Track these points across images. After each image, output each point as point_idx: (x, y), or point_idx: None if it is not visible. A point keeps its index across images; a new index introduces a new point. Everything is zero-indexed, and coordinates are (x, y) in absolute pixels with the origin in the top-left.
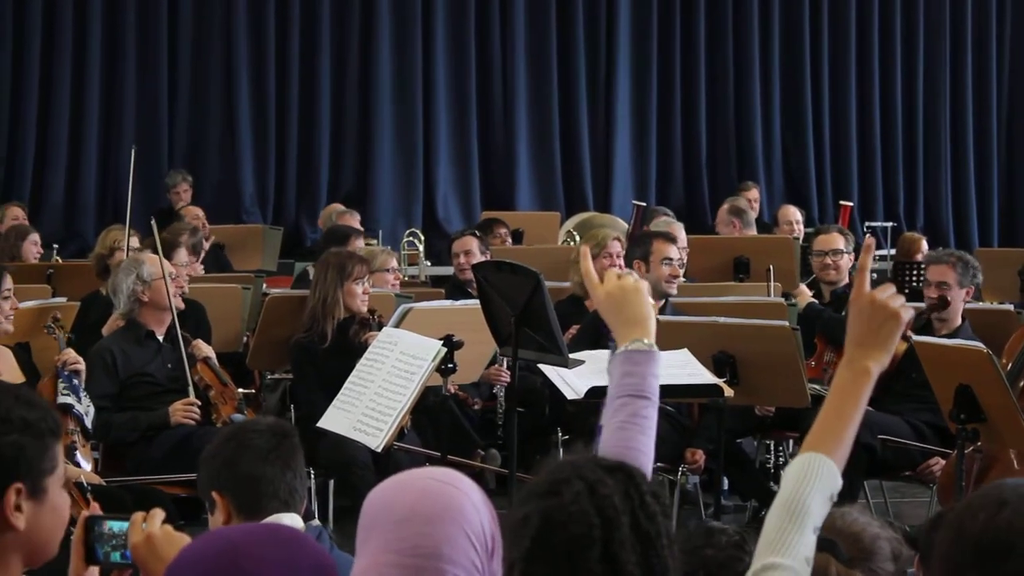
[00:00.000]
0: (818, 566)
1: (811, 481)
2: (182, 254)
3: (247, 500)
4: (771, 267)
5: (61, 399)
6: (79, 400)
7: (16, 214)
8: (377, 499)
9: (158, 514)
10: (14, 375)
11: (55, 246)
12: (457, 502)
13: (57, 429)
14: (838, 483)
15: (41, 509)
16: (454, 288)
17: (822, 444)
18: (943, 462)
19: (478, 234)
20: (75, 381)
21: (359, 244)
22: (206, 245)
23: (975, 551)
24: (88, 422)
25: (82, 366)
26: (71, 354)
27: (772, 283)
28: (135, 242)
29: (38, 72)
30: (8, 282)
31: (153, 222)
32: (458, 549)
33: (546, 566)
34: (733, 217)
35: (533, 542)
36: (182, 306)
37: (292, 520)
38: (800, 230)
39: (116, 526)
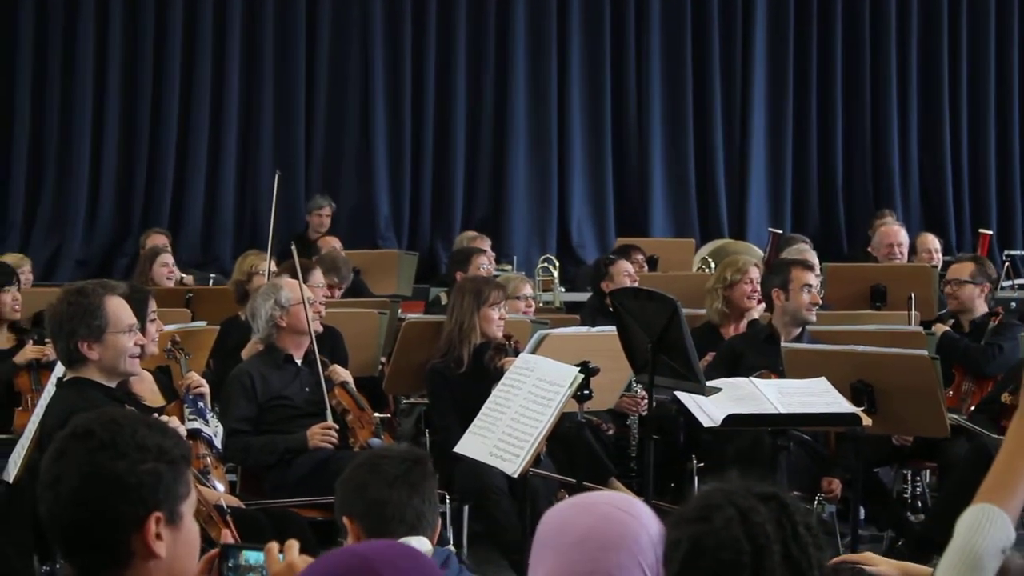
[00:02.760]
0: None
1: (984, 532)
2: (317, 276)
3: (374, 524)
4: (912, 295)
5: (188, 424)
6: (206, 422)
7: (158, 240)
8: (555, 519)
9: (294, 544)
10: (155, 398)
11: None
12: (633, 531)
13: (188, 455)
14: (1011, 536)
15: (178, 536)
16: (593, 311)
17: (994, 495)
18: None
19: None
20: (200, 404)
21: (482, 262)
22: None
23: None
24: (217, 442)
25: (206, 389)
26: (194, 377)
27: (913, 312)
28: (264, 266)
29: (177, 99)
30: (152, 305)
31: (293, 247)
32: None
33: None
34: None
35: (682, 566)
36: (321, 330)
37: (420, 543)
38: (939, 258)
39: (252, 556)
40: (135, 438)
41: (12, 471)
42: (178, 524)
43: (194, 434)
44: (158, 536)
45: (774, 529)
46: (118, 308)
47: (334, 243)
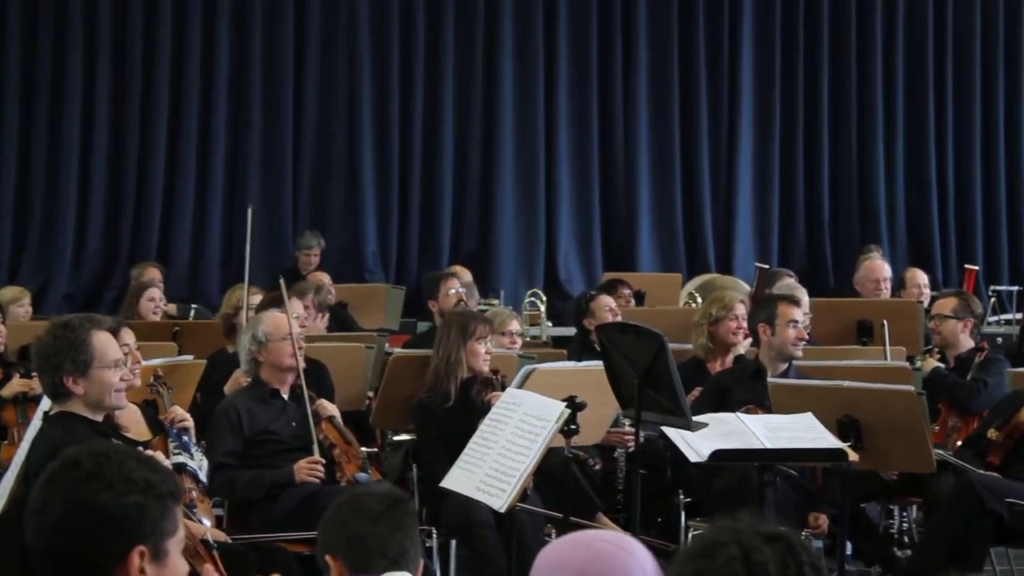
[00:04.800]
0: None
1: None
2: (296, 306)
3: (358, 559)
4: (885, 326)
5: (173, 458)
6: (191, 456)
7: (152, 274)
8: (550, 556)
9: None
10: (141, 431)
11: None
12: (628, 566)
13: (177, 492)
14: None
15: (163, 573)
16: (579, 347)
17: None
18: None
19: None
20: (185, 438)
21: (451, 286)
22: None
23: None
24: (203, 475)
25: (190, 423)
26: (178, 411)
27: (888, 347)
28: (254, 300)
29: (165, 131)
30: (127, 336)
31: (281, 280)
32: None
33: None
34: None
35: None
36: (304, 365)
37: None
38: (926, 294)
39: None
40: (122, 470)
41: None
42: (163, 560)
43: (179, 468)
44: (142, 571)
45: (776, 568)
46: (104, 343)
47: (324, 278)
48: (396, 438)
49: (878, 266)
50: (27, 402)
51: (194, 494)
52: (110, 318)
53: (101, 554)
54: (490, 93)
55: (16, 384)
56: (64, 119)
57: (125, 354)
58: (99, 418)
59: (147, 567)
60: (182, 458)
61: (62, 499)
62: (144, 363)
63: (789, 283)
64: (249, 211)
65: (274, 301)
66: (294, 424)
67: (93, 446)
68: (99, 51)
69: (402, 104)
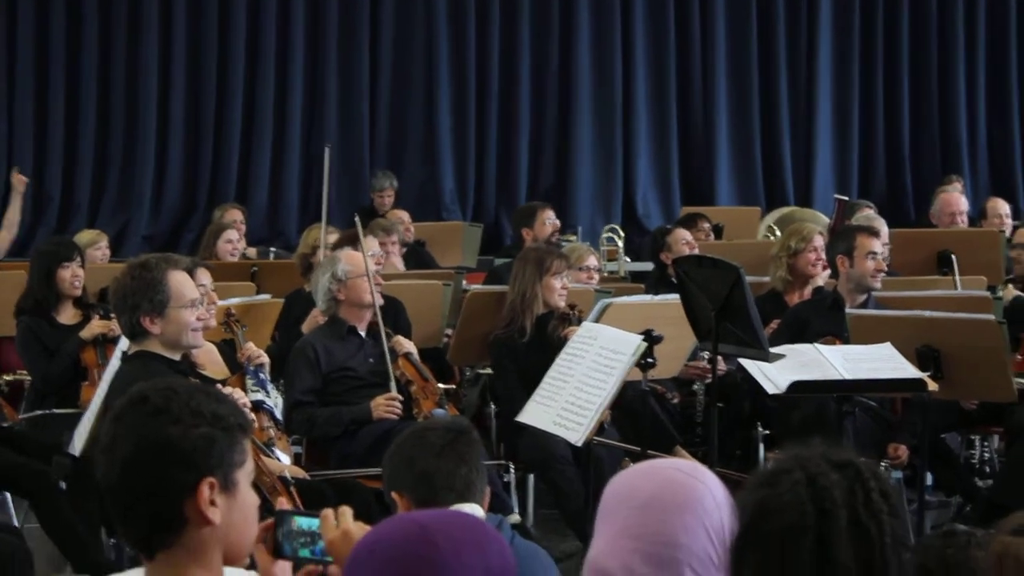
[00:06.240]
0: (1011, 547)
1: None
2: (373, 244)
3: (424, 495)
4: (954, 259)
5: (251, 396)
6: (268, 394)
7: (233, 216)
8: (621, 484)
9: (347, 511)
10: (219, 370)
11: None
12: (698, 494)
13: (246, 425)
14: None
15: (233, 504)
16: (656, 282)
17: None
18: None
19: None
20: (261, 376)
21: (548, 215)
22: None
23: None
24: (278, 413)
25: (266, 359)
26: (253, 349)
27: (958, 277)
28: (331, 239)
29: (243, 76)
30: (203, 276)
31: (357, 219)
32: (695, 541)
33: (757, 553)
34: None
35: (746, 528)
36: (381, 301)
37: (472, 510)
38: (1008, 223)
39: (306, 523)
40: (189, 404)
41: (79, 444)
42: (233, 492)
43: (257, 405)
44: (212, 503)
45: (843, 494)
46: (181, 283)
47: (402, 216)
48: (473, 372)
49: (953, 199)
50: (106, 343)
51: (272, 432)
52: (186, 258)
53: (171, 487)
54: (567, 28)
55: (95, 325)
56: (142, 62)
57: (202, 294)
58: (177, 357)
59: (217, 498)
60: (260, 395)
61: (131, 434)
62: (220, 303)
63: (868, 215)
64: (327, 150)
65: (350, 239)
66: (371, 361)
67: (160, 382)
68: None
69: (479, 39)
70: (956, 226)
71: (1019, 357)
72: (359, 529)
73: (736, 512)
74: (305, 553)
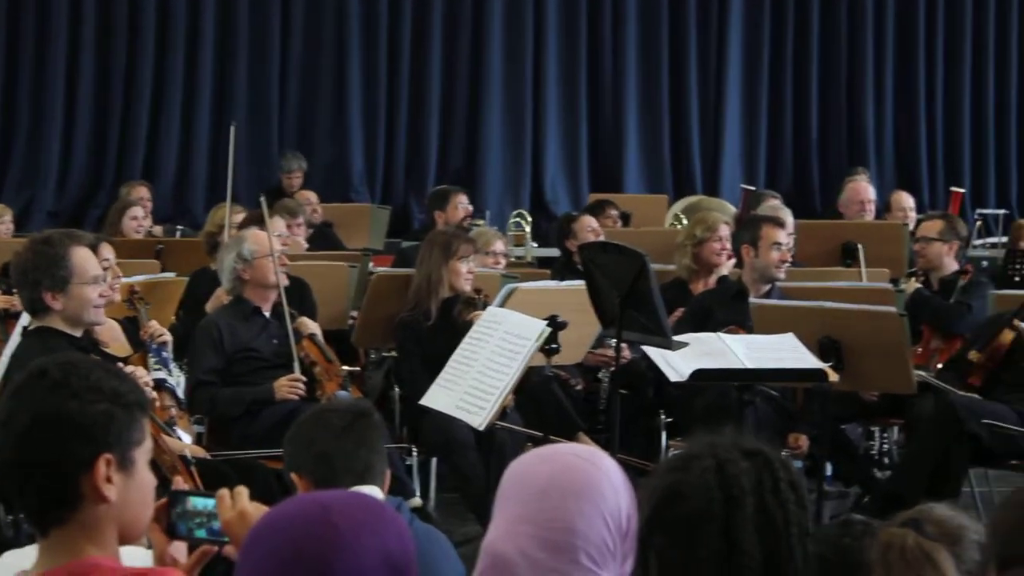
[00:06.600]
0: (895, 538)
1: None
2: (279, 224)
3: (323, 476)
4: (860, 249)
5: (153, 374)
6: (170, 373)
7: (139, 193)
8: (518, 469)
9: (243, 491)
10: (121, 347)
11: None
12: (596, 481)
13: (146, 403)
14: None
15: (130, 482)
16: (562, 268)
17: None
18: None
19: None
20: (164, 354)
21: (461, 200)
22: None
23: None
24: (180, 392)
25: (168, 338)
26: (156, 327)
27: (864, 269)
28: (237, 218)
29: (152, 54)
30: (106, 251)
31: (262, 199)
32: (592, 527)
33: (663, 536)
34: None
35: (654, 512)
36: (287, 282)
37: (372, 492)
38: (912, 217)
39: (201, 503)
40: (89, 380)
41: None
42: (130, 470)
43: (159, 384)
44: (108, 479)
45: (751, 482)
46: (84, 259)
47: (310, 197)
48: (378, 354)
49: (862, 188)
50: (8, 318)
51: (174, 411)
52: (90, 234)
53: (67, 462)
54: (478, 13)
55: None
56: (51, 36)
57: (105, 268)
58: (78, 333)
59: (113, 476)
60: (162, 374)
61: (28, 408)
62: (124, 279)
63: (774, 205)
64: (232, 128)
65: (256, 220)
66: (275, 342)
67: (60, 356)
68: None
69: (390, 23)
70: (865, 215)
71: (919, 350)
72: (255, 509)
73: (645, 495)
74: (201, 533)
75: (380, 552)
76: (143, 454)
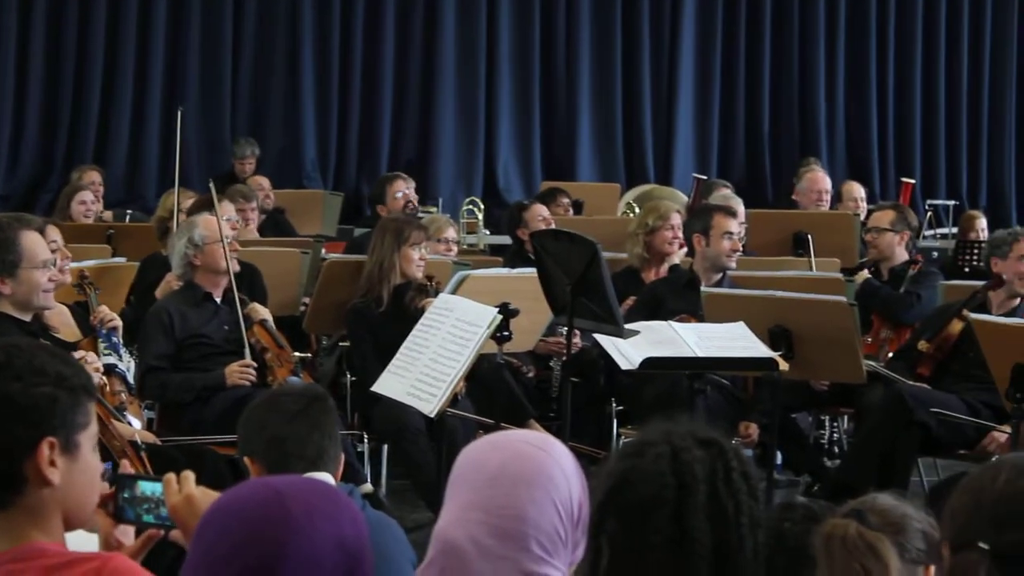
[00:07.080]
0: (837, 528)
1: None
2: (229, 209)
3: (275, 461)
4: (810, 239)
5: (104, 359)
6: (120, 358)
7: (91, 178)
8: (470, 456)
9: (190, 476)
10: (71, 332)
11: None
12: (547, 467)
13: (91, 387)
14: None
15: (74, 466)
16: (513, 256)
17: None
18: (1000, 440)
19: None
20: (114, 339)
21: (399, 188)
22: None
23: (992, 513)
24: (131, 377)
25: (118, 323)
26: (106, 312)
27: (813, 258)
28: (188, 204)
29: (103, 38)
30: (53, 233)
31: (212, 185)
32: (543, 514)
33: (616, 522)
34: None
35: (607, 496)
36: (238, 268)
37: (324, 478)
38: (863, 207)
39: (149, 487)
40: (33, 362)
41: None
42: (75, 454)
43: (109, 369)
44: (52, 463)
45: (704, 471)
46: (34, 243)
47: (262, 182)
48: (329, 341)
49: (819, 177)
50: None
51: (124, 396)
52: (39, 218)
53: (10, 444)
54: (431, 0)
55: None
56: (1, 19)
57: (53, 251)
58: (27, 318)
59: (57, 459)
60: (112, 359)
61: None
62: (74, 264)
63: (725, 194)
64: (180, 113)
65: (205, 204)
66: (226, 328)
67: (5, 340)
68: None
69: (343, 8)
70: (821, 204)
71: (869, 339)
72: (203, 494)
73: (599, 480)
74: (149, 519)
75: (334, 538)
76: (88, 438)
